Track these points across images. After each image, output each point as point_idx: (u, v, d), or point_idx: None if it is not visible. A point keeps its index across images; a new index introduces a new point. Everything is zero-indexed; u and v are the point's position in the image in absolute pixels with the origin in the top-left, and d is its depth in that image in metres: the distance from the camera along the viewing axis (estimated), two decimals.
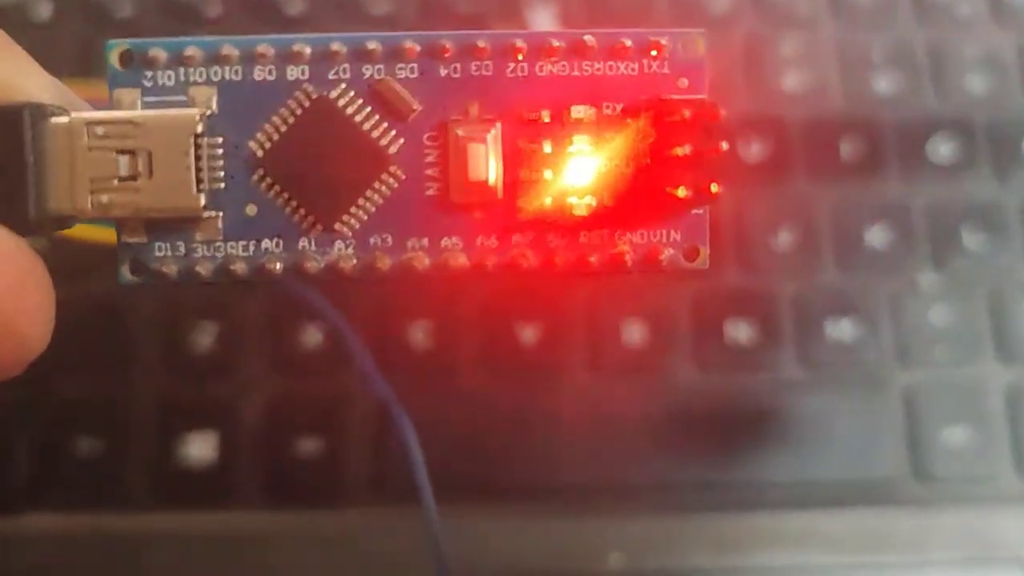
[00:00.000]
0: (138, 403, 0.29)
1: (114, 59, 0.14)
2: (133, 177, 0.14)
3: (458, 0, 0.34)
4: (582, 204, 0.14)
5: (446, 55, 0.14)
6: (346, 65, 0.14)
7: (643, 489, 0.30)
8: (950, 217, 0.32)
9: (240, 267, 0.14)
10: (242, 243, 0.14)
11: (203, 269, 0.14)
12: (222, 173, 0.14)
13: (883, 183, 0.33)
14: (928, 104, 0.34)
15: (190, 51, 0.14)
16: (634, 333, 0.30)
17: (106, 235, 0.15)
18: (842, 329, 0.31)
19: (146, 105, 0.14)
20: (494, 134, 0.14)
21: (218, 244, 0.14)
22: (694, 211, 0.15)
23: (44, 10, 0.33)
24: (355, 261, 0.14)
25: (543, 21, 0.32)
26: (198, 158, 0.14)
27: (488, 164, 0.14)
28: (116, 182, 0.13)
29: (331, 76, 0.14)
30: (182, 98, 0.14)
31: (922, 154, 0.33)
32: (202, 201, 0.14)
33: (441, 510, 0.21)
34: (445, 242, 0.14)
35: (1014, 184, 0.33)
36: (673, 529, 0.29)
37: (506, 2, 0.33)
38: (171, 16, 0.33)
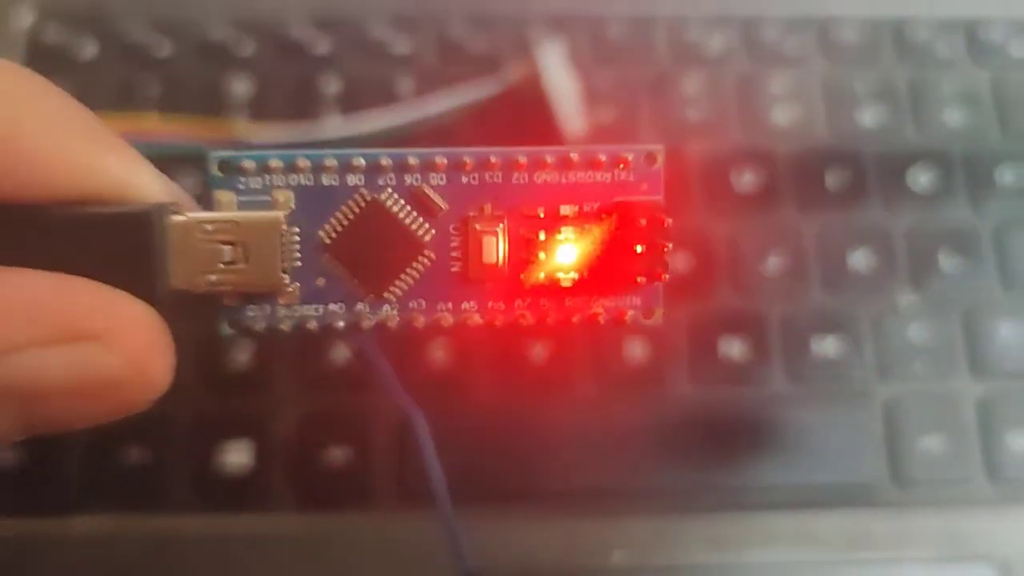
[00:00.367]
0: (182, 416, 0.31)
1: (214, 167, 0.17)
2: (234, 262, 0.17)
3: (473, 41, 0.36)
4: (568, 278, 0.18)
5: (466, 167, 0.17)
6: (392, 175, 0.18)
7: (645, 492, 0.31)
8: (928, 242, 0.34)
9: (312, 324, 0.18)
10: (314, 307, 0.18)
11: (284, 326, 0.18)
12: (299, 255, 0.18)
13: (866, 211, 0.34)
14: (908, 137, 0.36)
15: (273, 163, 0.17)
16: (635, 350, 0.32)
17: None
18: (827, 346, 0.33)
19: (241, 205, 0.17)
20: (502, 227, 0.18)
21: (296, 307, 0.18)
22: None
23: (88, 51, 0.36)
24: (398, 319, 0.18)
25: (552, 60, 0.33)
26: (282, 245, 0.17)
27: (498, 249, 0.18)
28: (221, 265, 0.17)
29: (380, 183, 0.18)
30: (266, 198, 0.17)
31: (902, 183, 0.35)
32: (286, 279, 0.17)
33: (458, 512, 0.23)
34: (465, 306, 0.18)
35: (988, 211, 0.35)
36: (673, 529, 0.30)
37: (518, 43, 0.36)
38: (207, 56, 0.36)
